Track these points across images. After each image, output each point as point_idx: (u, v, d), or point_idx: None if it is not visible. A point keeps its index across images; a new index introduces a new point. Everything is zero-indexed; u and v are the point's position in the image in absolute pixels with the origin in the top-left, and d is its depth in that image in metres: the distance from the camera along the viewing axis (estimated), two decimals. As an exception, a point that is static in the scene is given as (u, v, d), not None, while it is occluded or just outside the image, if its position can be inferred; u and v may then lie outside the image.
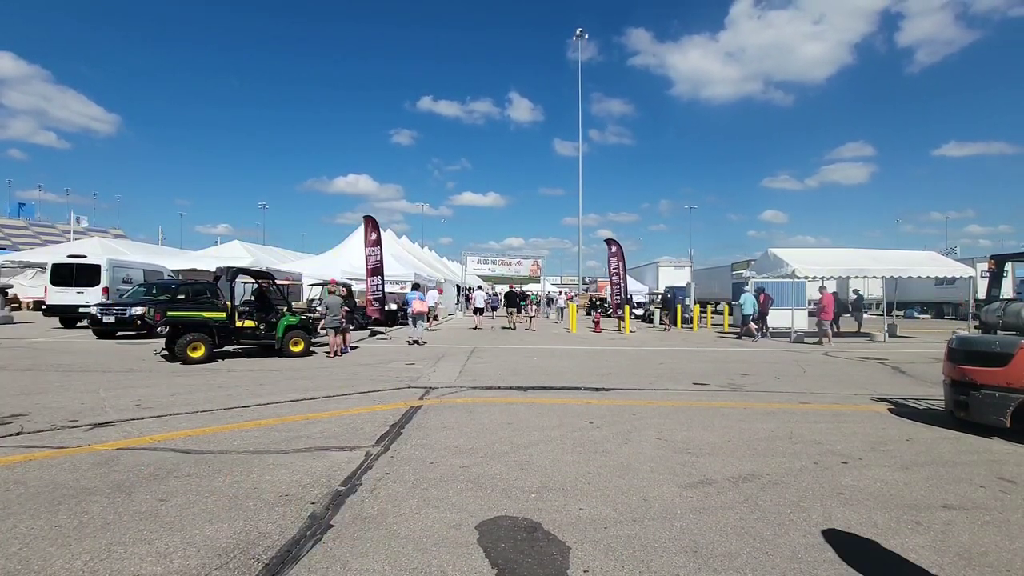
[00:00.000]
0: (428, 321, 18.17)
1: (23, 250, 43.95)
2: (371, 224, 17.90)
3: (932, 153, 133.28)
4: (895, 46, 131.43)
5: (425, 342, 14.64)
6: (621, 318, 21.09)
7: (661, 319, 22.31)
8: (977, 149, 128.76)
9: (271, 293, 12.51)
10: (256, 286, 12.85)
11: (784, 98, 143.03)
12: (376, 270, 17.32)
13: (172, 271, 23.10)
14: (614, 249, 22.71)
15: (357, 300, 19.96)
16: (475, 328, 21.16)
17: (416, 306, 14.79)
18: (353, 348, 13.01)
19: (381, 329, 18.46)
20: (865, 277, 19.37)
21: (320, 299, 14.54)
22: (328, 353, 11.66)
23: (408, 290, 17.50)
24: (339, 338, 11.87)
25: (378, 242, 17.69)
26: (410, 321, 14.94)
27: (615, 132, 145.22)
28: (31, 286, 27.65)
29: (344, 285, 17.37)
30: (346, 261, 24.19)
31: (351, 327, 13.58)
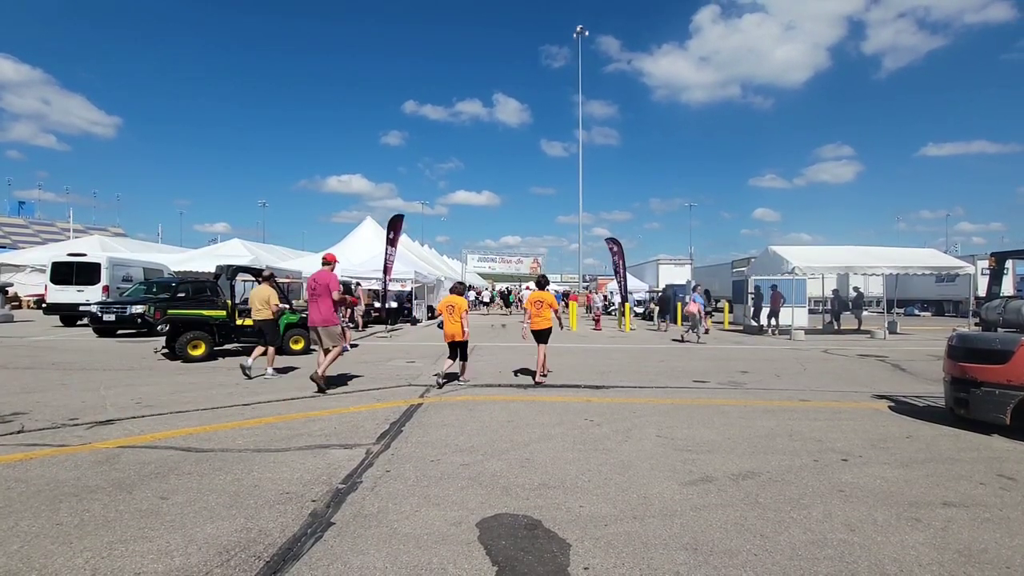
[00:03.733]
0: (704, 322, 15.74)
1: (23, 248, 43.90)
2: (395, 224, 18.14)
3: (915, 153, 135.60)
4: (866, 51, 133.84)
5: (704, 343, 15.08)
6: (622, 315, 21.11)
7: (658, 318, 22.20)
8: (957, 149, 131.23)
9: None
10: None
11: (763, 101, 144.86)
12: (388, 269, 17.62)
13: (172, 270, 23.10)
14: (615, 249, 22.75)
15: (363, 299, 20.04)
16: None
17: (691, 307, 15.28)
18: (353, 346, 13.01)
19: (398, 327, 18.50)
20: (866, 274, 19.40)
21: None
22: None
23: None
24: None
25: (394, 242, 17.98)
26: (685, 323, 15.55)
27: (600, 133, 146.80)
28: (30, 284, 27.65)
29: (344, 284, 17.39)
30: (346, 259, 24.17)
31: (352, 325, 13.56)
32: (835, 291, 22.28)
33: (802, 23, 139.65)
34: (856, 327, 20.26)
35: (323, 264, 7.77)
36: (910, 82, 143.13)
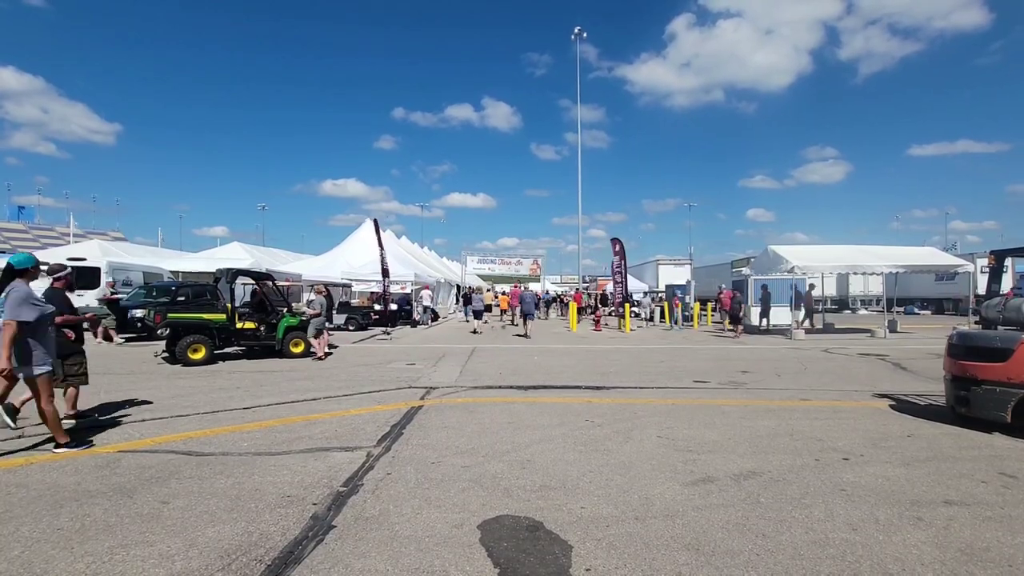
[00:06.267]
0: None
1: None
2: (376, 227, 18.20)
3: (902, 154, 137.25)
4: (843, 56, 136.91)
5: None
6: (622, 316, 21.11)
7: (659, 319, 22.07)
8: (941, 149, 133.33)
9: (272, 295, 12.49)
10: (253, 288, 12.79)
11: (747, 105, 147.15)
12: (386, 271, 17.69)
13: (171, 273, 23.09)
14: (617, 248, 22.80)
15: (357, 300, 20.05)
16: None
17: None
18: (334, 348, 12.92)
19: (387, 329, 18.47)
20: (865, 273, 19.40)
21: (309, 301, 13.99)
22: (316, 356, 11.29)
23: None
24: (325, 339, 11.67)
25: (381, 243, 17.96)
26: None
27: (588, 136, 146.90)
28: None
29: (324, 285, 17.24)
30: (345, 261, 24.17)
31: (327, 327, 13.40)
32: (733, 292, 22.05)
33: (779, 28, 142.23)
34: (808, 327, 18.53)
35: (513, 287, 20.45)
36: (889, 85, 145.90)
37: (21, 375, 4.48)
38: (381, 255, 17.83)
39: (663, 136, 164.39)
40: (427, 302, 23.22)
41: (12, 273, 4.55)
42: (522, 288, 23.91)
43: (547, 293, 37.25)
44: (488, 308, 23.16)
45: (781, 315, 19.17)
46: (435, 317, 24.97)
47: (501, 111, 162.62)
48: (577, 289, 29.00)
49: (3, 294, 4.42)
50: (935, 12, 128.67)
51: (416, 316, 23.19)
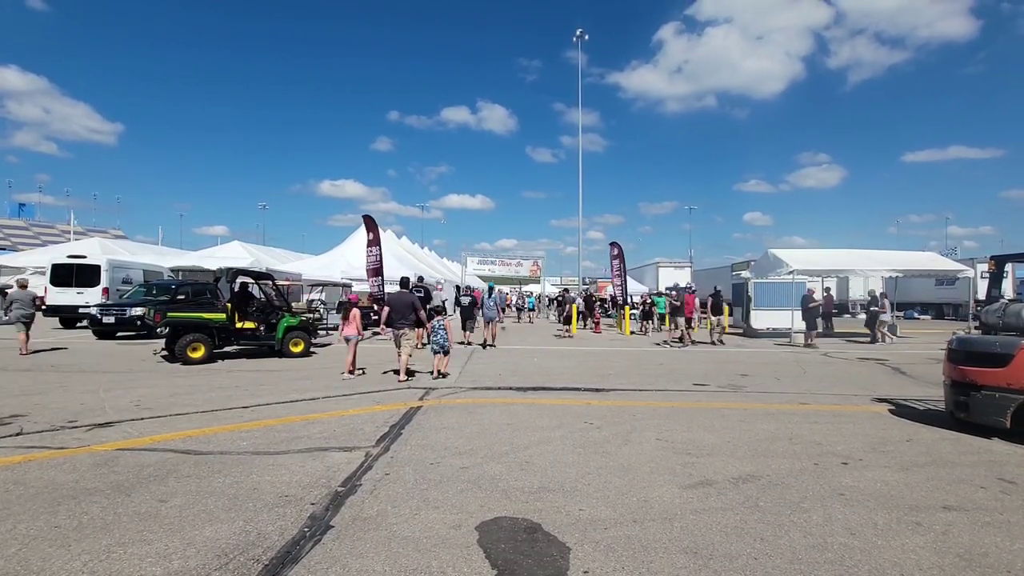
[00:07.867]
0: None
1: (23, 251, 43.87)
2: (370, 223, 17.77)
3: (896, 160, 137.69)
4: (836, 64, 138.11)
5: None
6: (622, 318, 21.11)
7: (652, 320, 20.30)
8: (934, 155, 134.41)
9: (273, 296, 12.47)
10: (242, 286, 12.44)
11: (740, 111, 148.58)
12: (376, 270, 17.10)
13: (171, 271, 23.09)
14: (616, 252, 22.81)
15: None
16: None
17: None
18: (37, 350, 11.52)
19: (380, 330, 18.36)
20: (865, 276, 19.41)
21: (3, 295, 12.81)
22: (21, 352, 10.88)
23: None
24: (25, 336, 11.11)
25: (376, 242, 17.38)
26: None
27: (585, 140, 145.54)
28: (30, 286, 27.60)
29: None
30: (346, 262, 24.20)
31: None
32: (827, 290, 22.21)
33: (769, 35, 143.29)
34: (676, 335, 15.97)
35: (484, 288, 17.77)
36: (879, 92, 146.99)
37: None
38: (377, 252, 17.26)
39: (657, 140, 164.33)
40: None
41: (491, 289, 11.84)
42: (483, 292, 26.23)
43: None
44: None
45: (781, 319, 19.09)
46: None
47: (497, 114, 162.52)
48: (679, 289, 19.48)
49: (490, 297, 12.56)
50: (919, 22, 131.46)
51: None
